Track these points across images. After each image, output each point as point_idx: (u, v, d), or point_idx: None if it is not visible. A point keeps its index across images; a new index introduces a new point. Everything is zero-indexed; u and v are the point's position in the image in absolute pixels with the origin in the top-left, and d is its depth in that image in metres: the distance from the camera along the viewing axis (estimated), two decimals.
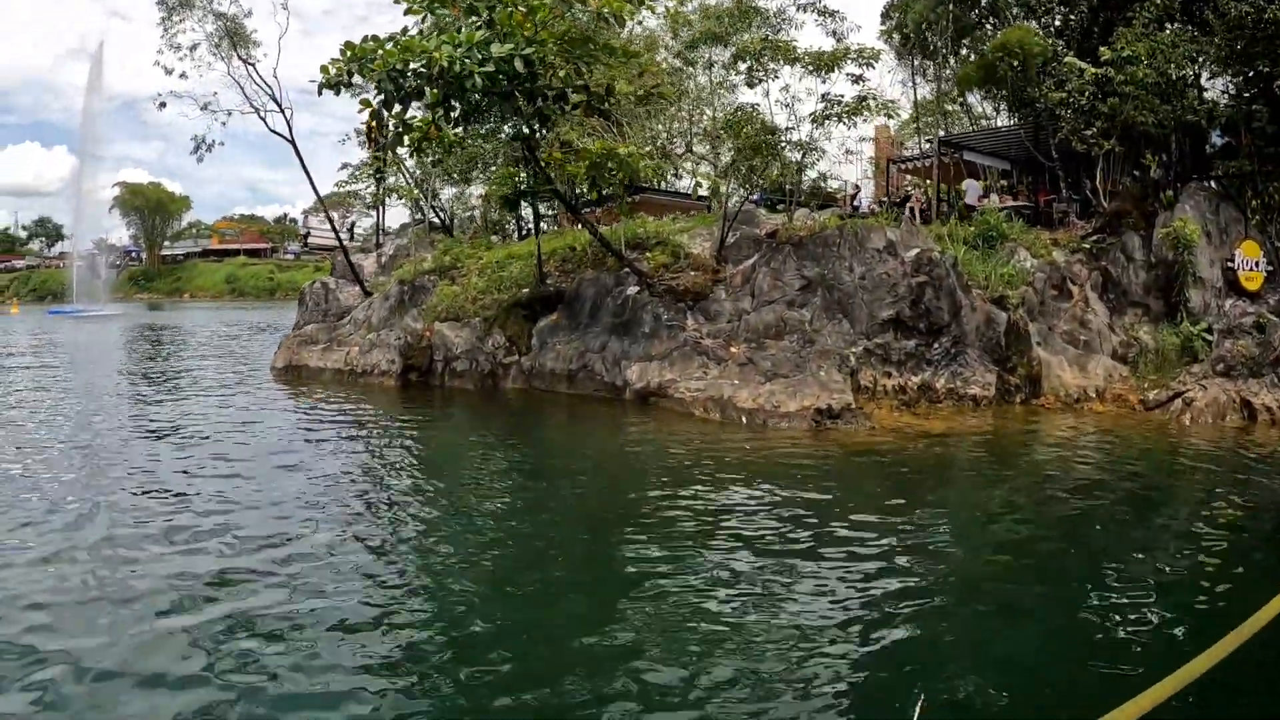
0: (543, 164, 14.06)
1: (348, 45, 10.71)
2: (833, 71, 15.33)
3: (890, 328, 13.17)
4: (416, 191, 27.84)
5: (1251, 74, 16.33)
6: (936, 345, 13.22)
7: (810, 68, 15.35)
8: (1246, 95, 16.53)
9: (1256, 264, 16.79)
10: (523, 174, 16.08)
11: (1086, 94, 15.99)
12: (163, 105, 22.52)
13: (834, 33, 20.65)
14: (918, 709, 3.42)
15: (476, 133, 17.74)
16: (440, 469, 10.16)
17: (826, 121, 15.09)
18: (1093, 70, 16.00)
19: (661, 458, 10.37)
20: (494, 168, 22.38)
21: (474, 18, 10.74)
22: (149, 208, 76.68)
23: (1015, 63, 17.33)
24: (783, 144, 15.40)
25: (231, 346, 28.54)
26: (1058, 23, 20.04)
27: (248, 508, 7.67)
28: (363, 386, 16.82)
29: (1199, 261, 16.26)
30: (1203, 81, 17.50)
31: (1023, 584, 6.66)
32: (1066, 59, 16.77)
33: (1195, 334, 15.78)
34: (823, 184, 22.72)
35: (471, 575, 6.29)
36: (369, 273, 23.15)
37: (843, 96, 15.07)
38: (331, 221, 27.70)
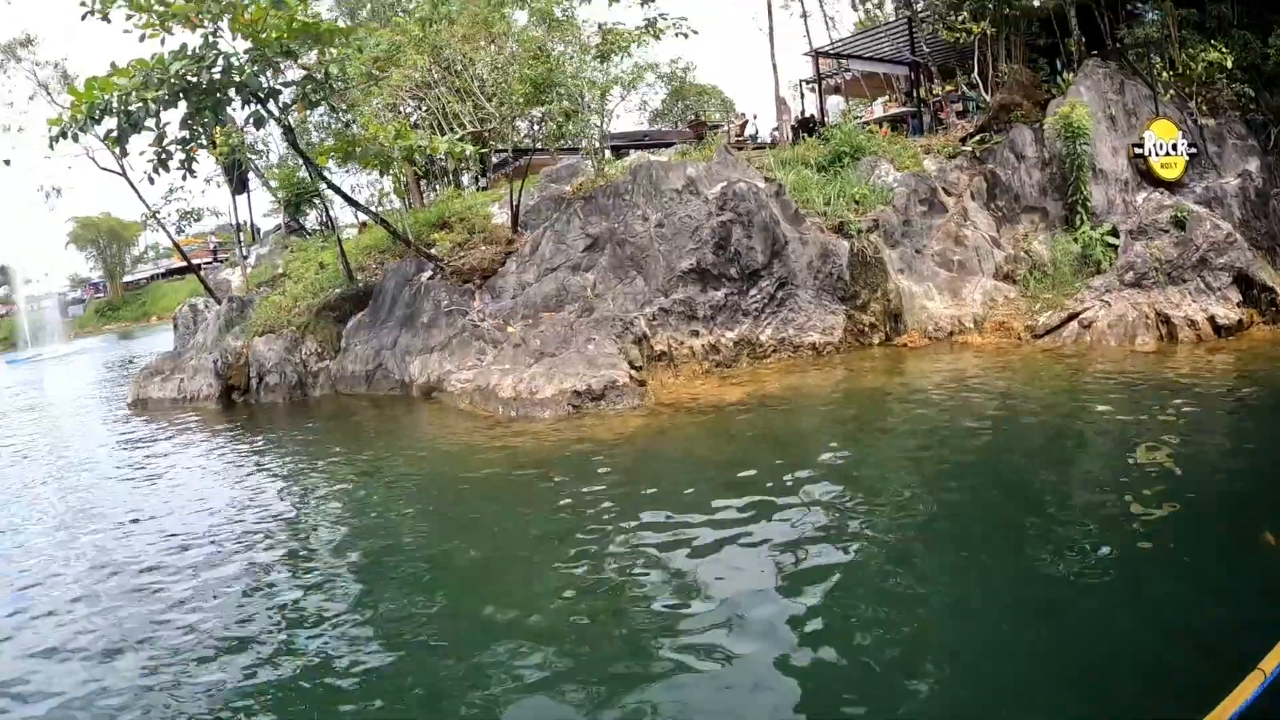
0: (309, 158, 12.33)
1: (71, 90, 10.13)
2: None
3: (693, 279, 11.07)
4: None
5: None
6: (755, 292, 11.14)
7: None
8: None
9: (1174, 147, 14.20)
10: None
11: None
12: (7, 163, 20.72)
13: None
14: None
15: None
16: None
17: (612, 56, 12.80)
18: None
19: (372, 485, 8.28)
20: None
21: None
22: (103, 238, 74.98)
23: None
24: (567, 80, 12.97)
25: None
26: None
27: None
28: (193, 410, 15.35)
29: (1098, 151, 13.89)
30: None
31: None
32: None
33: (1096, 239, 13.41)
34: (700, 115, 20.36)
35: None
36: (236, 287, 21.31)
37: (624, 24, 12.80)
38: (174, 240, 25.93)
